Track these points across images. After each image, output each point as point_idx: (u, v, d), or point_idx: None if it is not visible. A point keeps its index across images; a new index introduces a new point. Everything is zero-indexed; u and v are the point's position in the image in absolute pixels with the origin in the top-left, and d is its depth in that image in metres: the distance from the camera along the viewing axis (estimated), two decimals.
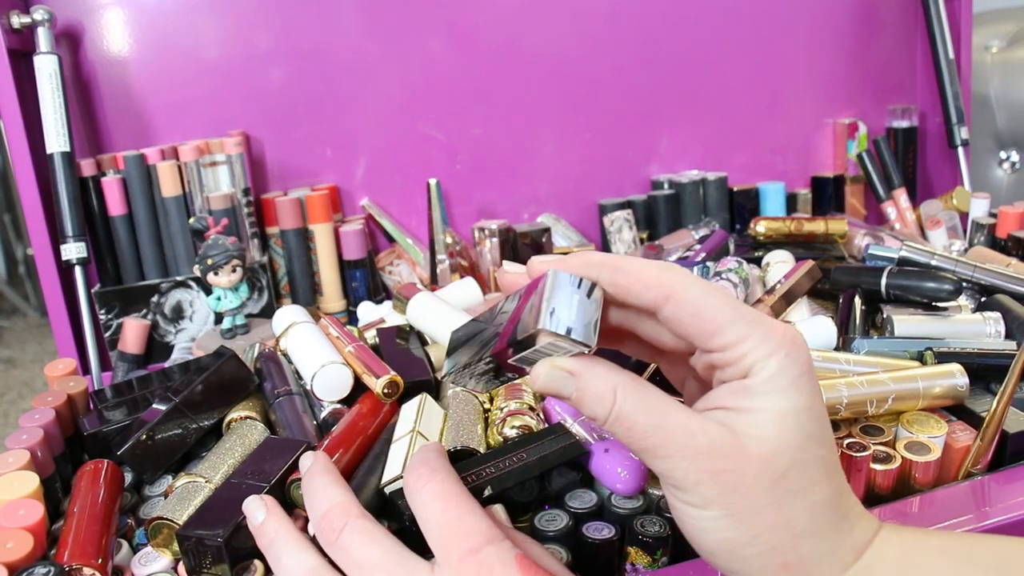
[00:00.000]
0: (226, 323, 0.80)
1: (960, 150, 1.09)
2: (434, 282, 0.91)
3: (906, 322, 0.69)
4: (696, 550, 0.35)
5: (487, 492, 0.43)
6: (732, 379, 0.32)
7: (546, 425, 0.55)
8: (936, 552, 0.33)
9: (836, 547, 0.32)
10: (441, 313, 0.70)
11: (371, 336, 0.72)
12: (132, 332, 0.84)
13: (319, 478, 0.41)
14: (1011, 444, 0.54)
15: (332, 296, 0.93)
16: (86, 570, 0.45)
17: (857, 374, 0.58)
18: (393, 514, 0.50)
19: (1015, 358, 0.53)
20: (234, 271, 0.77)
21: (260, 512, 0.42)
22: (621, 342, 0.39)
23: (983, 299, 0.74)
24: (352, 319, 0.90)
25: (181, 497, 0.51)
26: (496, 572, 0.33)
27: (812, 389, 0.32)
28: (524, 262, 0.37)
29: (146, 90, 0.90)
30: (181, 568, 0.47)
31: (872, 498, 0.53)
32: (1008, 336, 0.68)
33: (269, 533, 0.40)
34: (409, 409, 0.57)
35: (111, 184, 0.84)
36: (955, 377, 0.57)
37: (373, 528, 0.36)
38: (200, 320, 0.87)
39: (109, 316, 0.85)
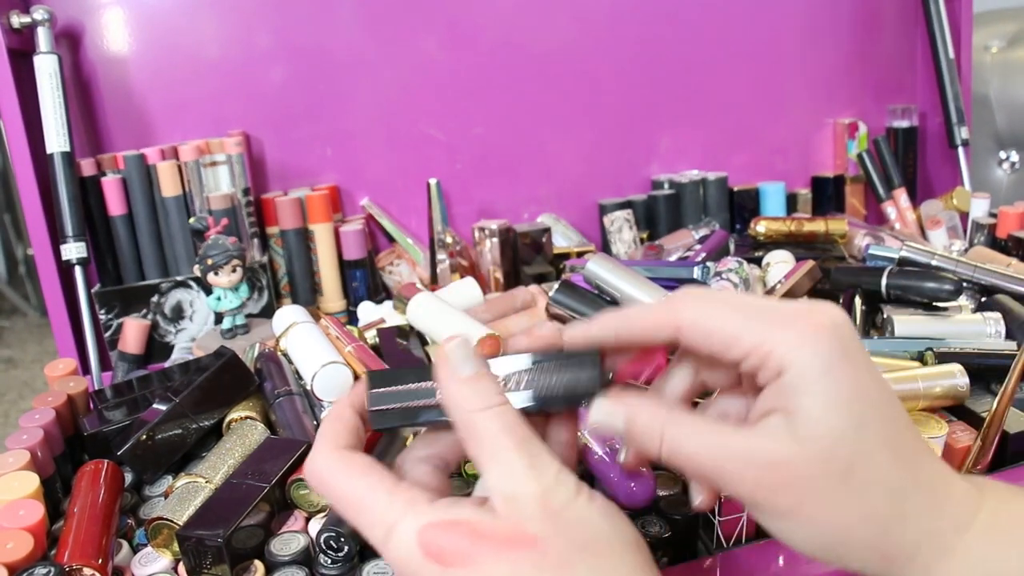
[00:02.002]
0: (226, 323, 0.80)
1: (960, 150, 1.09)
2: (434, 282, 0.91)
3: (906, 322, 0.69)
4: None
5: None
6: (770, 381, 0.31)
7: None
8: None
9: (933, 527, 0.31)
10: (441, 313, 0.70)
11: (371, 336, 0.72)
12: (132, 332, 0.84)
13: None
14: (1011, 445, 0.54)
15: (332, 296, 0.93)
16: (86, 570, 0.45)
17: None
18: None
19: (1015, 358, 0.53)
20: (234, 271, 0.77)
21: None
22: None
23: (983, 299, 0.74)
24: (352, 319, 0.90)
25: (181, 497, 0.51)
26: (403, 569, 0.30)
27: (856, 372, 0.30)
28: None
29: (146, 90, 0.90)
30: (181, 568, 0.47)
31: None
32: (1008, 336, 0.68)
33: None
34: None
35: (111, 184, 0.84)
36: (955, 377, 0.57)
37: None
38: (200, 320, 0.87)
39: (109, 316, 0.84)
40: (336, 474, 0.32)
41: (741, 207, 1.06)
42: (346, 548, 0.45)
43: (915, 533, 0.30)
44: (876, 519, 0.30)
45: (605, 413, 0.33)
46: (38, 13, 0.80)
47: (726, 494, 0.32)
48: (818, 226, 0.93)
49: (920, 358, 0.64)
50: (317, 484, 0.33)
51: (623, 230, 0.99)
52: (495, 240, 0.92)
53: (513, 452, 0.30)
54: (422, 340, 0.72)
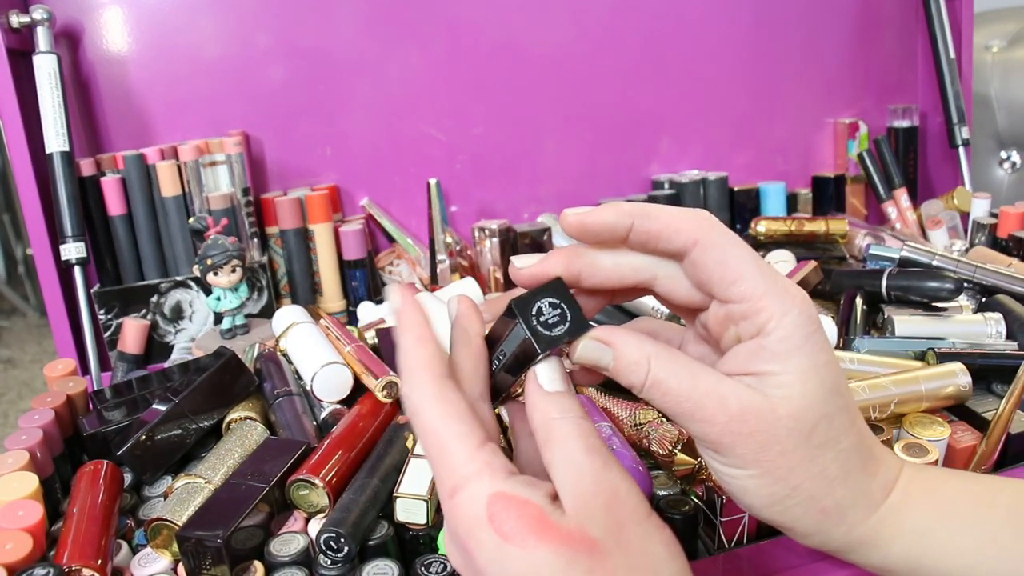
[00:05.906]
0: (226, 323, 0.80)
1: (961, 150, 1.09)
2: (434, 282, 0.91)
3: (907, 322, 0.69)
4: (739, 506, 0.36)
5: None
6: (747, 335, 0.33)
7: None
8: (959, 493, 0.35)
9: (866, 489, 0.34)
10: (441, 314, 0.70)
11: (371, 336, 0.72)
12: (132, 332, 0.84)
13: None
14: (1013, 445, 0.54)
15: (332, 296, 0.93)
16: (85, 571, 0.45)
17: (861, 374, 0.58)
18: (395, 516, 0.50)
19: None
20: (234, 271, 0.77)
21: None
22: (634, 295, 0.39)
23: (984, 299, 0.74)
24: (352, 319, 0.89)
25: (181, 498, 0.51)
26: (462, 526, 0.30)
27: (825, 344, 0.33)
28: None
29: (145, 89, 0.90)
30: (181, 569, 0.47)
31: None
32: (1009, 337, 0.68)
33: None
34: None
35: (110, 184, 0.84)
36: (957, 376, 0.57)
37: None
38: (200, 320, 0.86)
39: (109, 316, 0.84)
40: (433, 407, 0.32)
41: (741, 207, 1.06)
42: (346, 549, 0.45)
43: (851, 493, 0.34)
44: (825, 477, 0.33)
45: (592, 349, 0.34)
46: (37, 12, 0.80)
47: (694, 433, 0.33)
48: (819, 226, 0.92)
49: (921, 358, 0.64)
50: (412, 410, 0.33)
51: None
52: (495, 240, 0.92)
53: (584, 456, 0.31)
54: None
